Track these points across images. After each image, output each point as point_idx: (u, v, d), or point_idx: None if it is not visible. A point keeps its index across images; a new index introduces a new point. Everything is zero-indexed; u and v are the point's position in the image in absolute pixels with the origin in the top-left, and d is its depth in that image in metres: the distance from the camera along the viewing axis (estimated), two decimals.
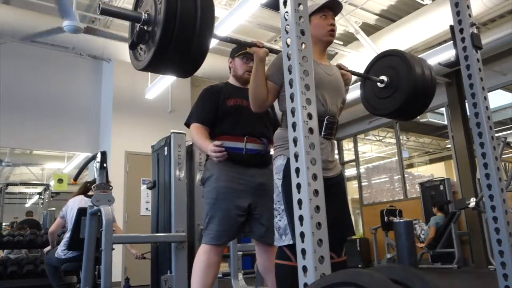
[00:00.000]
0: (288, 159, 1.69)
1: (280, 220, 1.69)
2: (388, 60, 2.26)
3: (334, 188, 1.75)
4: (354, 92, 3.69)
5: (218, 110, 2.20)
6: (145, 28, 1.45)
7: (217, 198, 2.09)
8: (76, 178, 3.97)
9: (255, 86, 1.78)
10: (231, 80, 2.36)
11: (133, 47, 1.53)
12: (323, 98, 1.76)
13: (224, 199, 2.08)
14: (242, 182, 2.12)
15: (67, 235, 3.64)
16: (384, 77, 2.21)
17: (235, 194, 2.09)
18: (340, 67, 2.03)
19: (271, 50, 1.83)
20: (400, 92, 2.15)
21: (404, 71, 2.14)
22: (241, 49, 2.29)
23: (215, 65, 5.71)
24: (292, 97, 1.25)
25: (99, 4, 1.42)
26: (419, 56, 5.59)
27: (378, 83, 2.23)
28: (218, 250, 2.10)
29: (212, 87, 2.30)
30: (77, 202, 3.72)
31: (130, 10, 1.54)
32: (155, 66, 1.49)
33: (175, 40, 1.39)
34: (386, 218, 6.57)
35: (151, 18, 1.44)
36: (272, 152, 2.04)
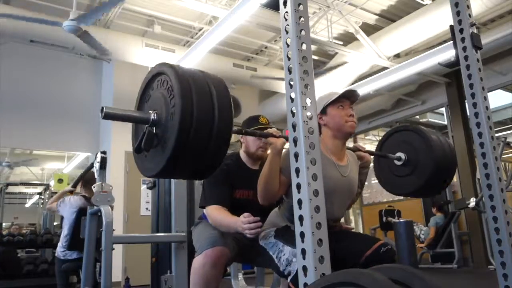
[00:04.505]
0: (274, 230, 1.76)
1: (284, 254, 1.65)
2: (403, 135, 2.20)
3: None
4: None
5: (231, 193, 2.08)
6: (154, 131, 1.35)
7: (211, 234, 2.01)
8: (74, 185, 3.96)
9: (267, 180, 1.68)
10: (242, 156, 2.20)
11: (139, 151, 1.41)
12: (330, 202, 1.64)
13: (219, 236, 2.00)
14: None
15: (65, 233, 3.64)
16: (401, 154, 2.15)
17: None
18: (357, 148, 1.96)
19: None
20: (420, 170, 2.08)
21: (422, 148, 2.08)
22: (253, 124, 2.10)
23: (215, 65, 5.70)
24: (292, 98, 1.25)
25: (102, 108, 1.31)
26: (419, 56, 5.59)
27: (395, 161, 2.17)
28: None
29: (226, 166, 2.09)
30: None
31: (136, 111, 1.45)
32: (167, 173, 1.38)
33: (189, 149, 1.27)
34: (384, 219, 6.57)
35: (161, 120, 1.33)
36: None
